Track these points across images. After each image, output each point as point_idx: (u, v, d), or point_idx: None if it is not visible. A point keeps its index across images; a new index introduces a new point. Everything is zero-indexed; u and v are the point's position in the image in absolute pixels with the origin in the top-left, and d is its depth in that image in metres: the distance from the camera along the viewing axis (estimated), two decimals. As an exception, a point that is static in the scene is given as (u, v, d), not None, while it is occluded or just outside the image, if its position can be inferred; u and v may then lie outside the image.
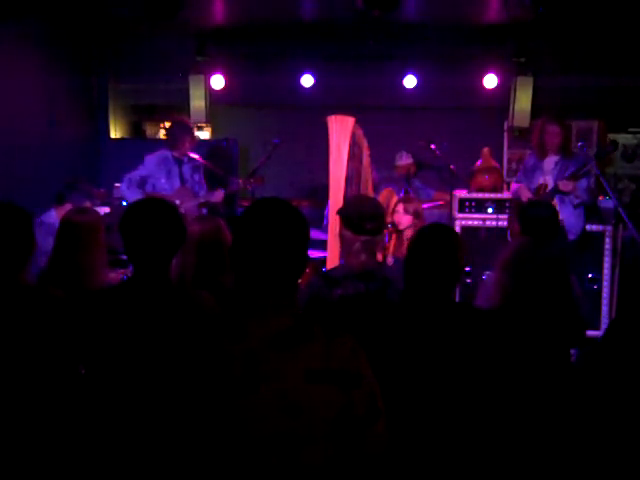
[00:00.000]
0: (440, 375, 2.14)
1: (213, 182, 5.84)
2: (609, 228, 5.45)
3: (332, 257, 3.73)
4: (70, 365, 2.36)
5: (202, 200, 5.50)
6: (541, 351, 2.60)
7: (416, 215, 4.77)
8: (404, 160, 6.53)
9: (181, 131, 5.48)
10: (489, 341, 2.22)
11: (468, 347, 2.17)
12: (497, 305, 2.68)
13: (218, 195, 5.51)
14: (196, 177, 5.61)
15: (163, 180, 5.42)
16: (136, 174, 5.39)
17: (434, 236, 2.29)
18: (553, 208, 3.77)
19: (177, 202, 5.16)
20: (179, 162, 5.49)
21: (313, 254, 4.99)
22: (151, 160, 5.42)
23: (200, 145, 5.86)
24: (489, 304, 2.76)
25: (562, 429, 2.48)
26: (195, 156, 5.57)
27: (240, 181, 5.59)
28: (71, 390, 2.32)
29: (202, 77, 6.83)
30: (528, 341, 2.55)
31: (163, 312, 2.21)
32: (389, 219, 4.79)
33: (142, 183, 5.37)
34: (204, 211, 5.57)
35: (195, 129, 7.95)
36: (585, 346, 4.72)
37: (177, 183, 5.46)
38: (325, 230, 4.74)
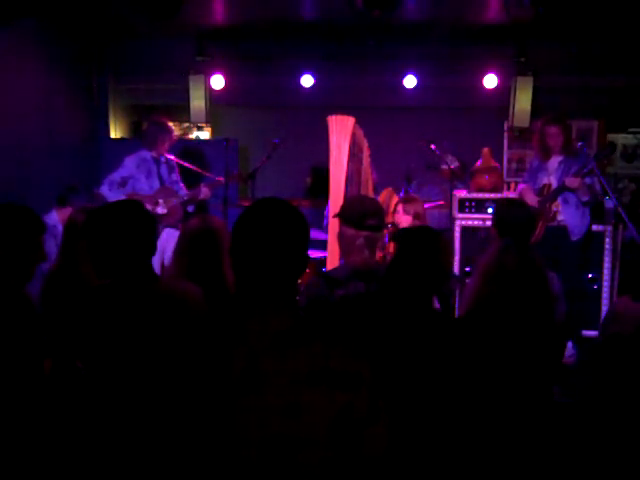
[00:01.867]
0: (408, 379, 2.16)
1: (191, 181, 5.87)
2: (609, 228, 5.45)
3: (332, 257, 3.73)
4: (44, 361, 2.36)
5: (186, 198, 5.51)
6: (516, 353, 2.58)
7: (416, 216, 4.76)
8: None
9: (159, 132, 5.47)
10: (455, 348, 2.23)
11: (434, 353, 2.18)
12: (470, 309, 2.67)
13: (205, 192, 5.51)
14: (173, 177, 5.63)
15: (143, 181, 5.42)
16: (116, 175, 5.37)
17: (417, 240, 2.31)
18: (527, 207, 3.71)
19: (160, 201, 5.29)
20: (157, 162, 5.51)
21: (313, 254, 4.99)
22: (131, 161, 5.42)
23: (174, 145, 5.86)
24: (465, 308, 2.76)
25: (543, 439, 2.47)
26: (170, 156, 5.59)
27: (218, 179, 5.61)
28: (47, 387, 2.32)
29: (202, 77, 6.83)
30: (500, 346, 2.52)
31: (147, 309, 2.20)
32: (389, 219, 4.79)
33: (123, 184, 5.36)
34: (190, 209, 5.59)
35: (195, 129, 8.03)
36: (573, 343, 4.73)
37: (156, 183, 5.47)
38: (325, 230, 4.74)
